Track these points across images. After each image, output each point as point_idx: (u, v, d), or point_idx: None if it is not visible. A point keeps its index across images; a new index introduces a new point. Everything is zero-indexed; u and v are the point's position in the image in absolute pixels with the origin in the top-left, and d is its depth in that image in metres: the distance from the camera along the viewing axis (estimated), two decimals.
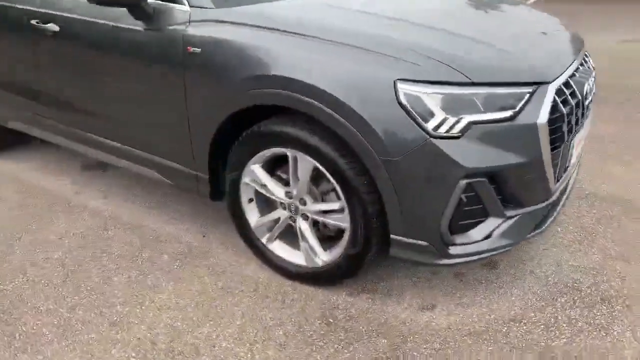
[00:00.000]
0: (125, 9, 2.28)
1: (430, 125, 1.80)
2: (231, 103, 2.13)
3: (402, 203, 1.90)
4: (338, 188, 2.02)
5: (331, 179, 2.02)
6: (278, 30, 2.04)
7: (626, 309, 2.14)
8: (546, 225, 2.14)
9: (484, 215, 1.96)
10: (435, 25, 2.12)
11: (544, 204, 2.06)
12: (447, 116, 1.79)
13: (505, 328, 2.07)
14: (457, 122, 1.79)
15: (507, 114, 1.84)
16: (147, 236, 2.71)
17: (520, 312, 2.15)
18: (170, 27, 2.23)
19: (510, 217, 1.99)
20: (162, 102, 2.37)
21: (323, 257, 2.22)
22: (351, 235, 2.08)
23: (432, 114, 1.79)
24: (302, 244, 2.25)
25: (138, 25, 2.32)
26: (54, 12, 2.65)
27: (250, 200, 2.36)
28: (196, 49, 2.15)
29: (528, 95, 1.88)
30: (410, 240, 1.97)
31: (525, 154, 1.89)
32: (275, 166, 2.26)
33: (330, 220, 2.13)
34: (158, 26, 2.27)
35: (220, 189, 2.46)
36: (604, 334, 2.02)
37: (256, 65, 2.02)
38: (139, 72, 2.39)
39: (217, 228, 2.76)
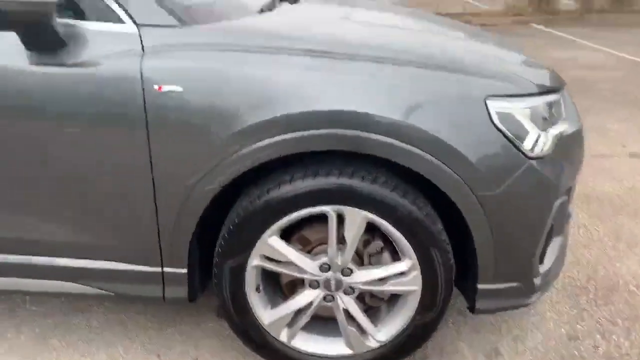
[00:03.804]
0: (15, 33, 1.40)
1: (526, 145, 1.52)
2: (242, 159, 1.47)
3: (498, 243, 1.57)
4: (406, 243, 1.57)
5: (397, 233, 1.56)
6: (307, 51, 1.49)
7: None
8: None
9: (551, 237, 1.78)
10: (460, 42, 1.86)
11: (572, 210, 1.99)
12: (540, 133, 1.54)
13: (574, 350, 1.92)
14: (546, 138, 1.56)
15: (565, 124, 1.69)
16: None
17: (569, 329, 2.02)
18: (104, 60, 1.45)
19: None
20: (94, 179, 1.54)
21: (378, 336, 1.71)
22: (424, 299, 1.65)
23: (526, 132, 1.52)
24: (345, 327, 1.70)
25: (40, 63, 1.45)
26: None
27: (258, 288, 1.70)
28: (174, 87, 1.43)
29: (562, 101, 1.77)
30: (500, 286, 1.65)
31: (580, 161, 1.79)
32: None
33: (392, 287, 1.66)
34: (77, 60, 1.45)
35: (196, 286, 1.72)
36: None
37: (287, 100, 1.44)
38: (45, 138, 1.50)
39: (165, 340, 1.95)
